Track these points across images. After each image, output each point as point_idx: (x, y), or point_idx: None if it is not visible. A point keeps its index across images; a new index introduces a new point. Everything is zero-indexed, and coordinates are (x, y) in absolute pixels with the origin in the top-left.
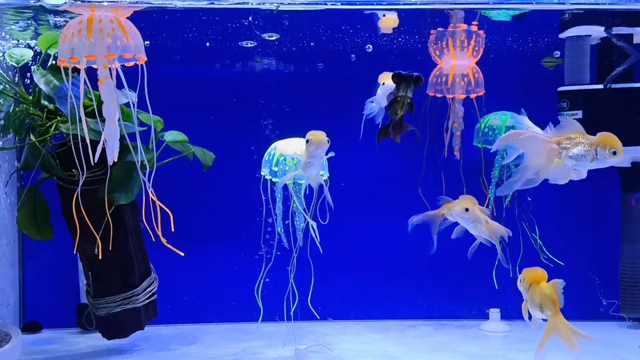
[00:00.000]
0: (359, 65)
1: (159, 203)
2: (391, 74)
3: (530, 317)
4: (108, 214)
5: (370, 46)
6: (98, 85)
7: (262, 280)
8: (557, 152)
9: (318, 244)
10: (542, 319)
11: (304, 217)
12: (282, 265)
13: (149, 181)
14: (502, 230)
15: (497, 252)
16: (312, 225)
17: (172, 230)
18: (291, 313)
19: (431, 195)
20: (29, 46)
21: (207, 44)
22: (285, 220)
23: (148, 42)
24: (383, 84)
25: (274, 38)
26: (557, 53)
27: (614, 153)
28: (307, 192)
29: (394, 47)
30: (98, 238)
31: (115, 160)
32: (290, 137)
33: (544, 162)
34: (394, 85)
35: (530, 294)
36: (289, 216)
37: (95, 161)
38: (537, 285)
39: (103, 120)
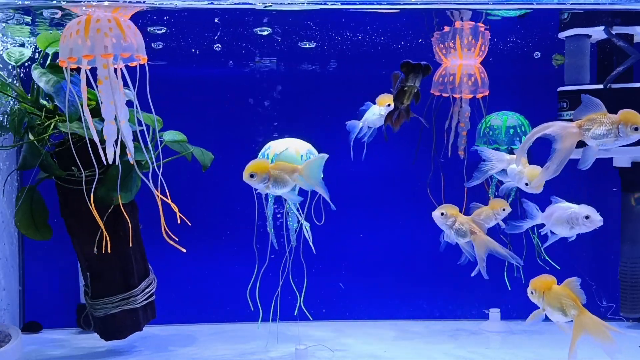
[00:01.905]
0: (360, 65)
1: (165, 198)
2: (389, 95)
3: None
4: (126, 215)
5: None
6: (97, 85)
7: (259, 281)
8: (577, 135)
9: (311, 244)
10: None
11: (298, 217)
12: (281, 265)
13: (148, 181)
14: (491, 246)
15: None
16: (305, 226)
17: (179, 223)
18: (295, 313)
19: (433, 195)
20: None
21: (206, 43)
22: (279, 220)
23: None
24: (389, 105)
25: (265, 33)
26: (538, 54)
27: (636, 129)
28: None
29: (395, 47)
30: (106, 234)
31: (132, 162)
32: (290, 137)
33: (564, 146)
34: (390, 107)
35: (548, 301)
36: (284, 217)
37: (96, 161)
38: (551, 291)
39: (103, 120)
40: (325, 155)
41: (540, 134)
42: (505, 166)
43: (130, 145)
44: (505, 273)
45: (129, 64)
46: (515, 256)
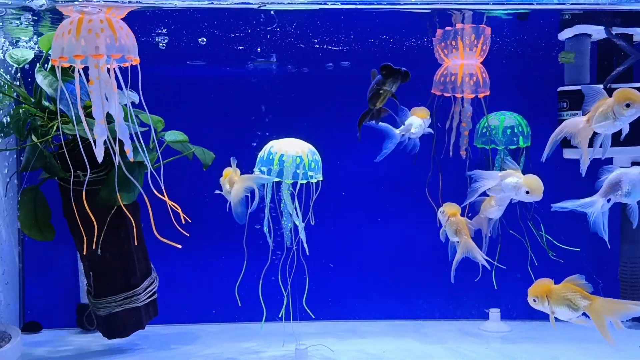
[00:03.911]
0: (359, 66)
1: (169, 201)
2: (423, 108)
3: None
4: (129, 215)
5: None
6: (88, 85)
7: (261, 281)
8: (587, 128)
9: (305, 244)
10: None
11: (293, 217)
12: (282, 265)
13: (150, 181)
14: (471, 251)
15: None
16: (299, 227)
17: (183, 222)
18: (281, 314)
19: (433, 195)
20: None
21: (207, 43)
22: (280, 220)
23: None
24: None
25: (230, 36)
26: (538, 54)
27: (628, 105)
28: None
29: (396, 47)
30: (108, 234)
31: (131, 159)
32: (288, 137)
33: (581, 142)
34: (422, 120)
35: (555, 303)
36: (283, 216)
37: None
38: (553, 292)
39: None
40: (259, 180)
41: (559, 136)
42: (496, 183)
43: (128, 143)
44: (493, 273)
45: (122, 65)
46: (490, 261)
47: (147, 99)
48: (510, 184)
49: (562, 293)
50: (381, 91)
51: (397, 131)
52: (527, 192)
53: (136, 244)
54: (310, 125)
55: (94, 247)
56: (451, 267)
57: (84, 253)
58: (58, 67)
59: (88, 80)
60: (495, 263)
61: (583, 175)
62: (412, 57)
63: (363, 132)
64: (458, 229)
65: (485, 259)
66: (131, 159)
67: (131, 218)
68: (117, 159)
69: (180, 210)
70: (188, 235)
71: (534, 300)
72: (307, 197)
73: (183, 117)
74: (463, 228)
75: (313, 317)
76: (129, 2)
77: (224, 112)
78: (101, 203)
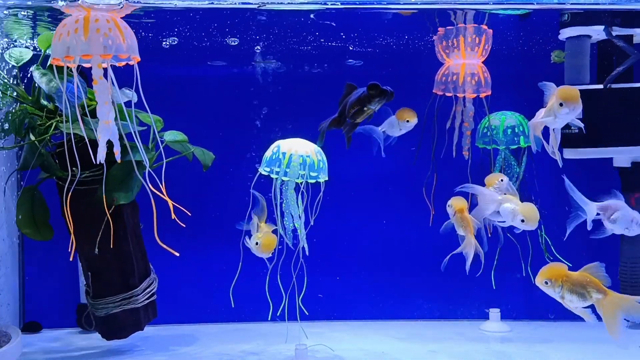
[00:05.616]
0: (360, 66)
1: (169, 199)
2: (411, 110)
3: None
4: (127, 214)
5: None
6: (92, 85)
7: (267, 279)
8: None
9: (305, 244)
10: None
11: (292, 218)
12: (282, 265)
13: (148, 181)
14: (471, 248)
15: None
16: (298, 226)
17: (181, 221)
18: (278, 312)
19: (436, 195)
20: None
21: (207, 43)
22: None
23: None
24: (407, 121)
25: (234, 43)
26: (538, 54)
27: (561, 104)
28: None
29: (396, 46)
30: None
31: (119, 161)
32: (290, 137)
33: (536, 133)
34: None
35: (568, 289)
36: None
37: (96, 161)
38: (568, 278)
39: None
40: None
41: (534, 128)
42: (497, 207)
43: (117, 145)
44: (492, 273)
45: (118, 64)
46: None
47: (146, 98)
48: (508, 210)
49: (579, 281)
50: (365, 108)
51: (379, 129)
52: (523, 221)
53: (131, 244)
54: (310, 124)
55: (88, 247)
56: (452, 267)
57: (82, 253)
58: (64, 66)
59: (91, 80)
60: (495, 263)
61: (560, 167)
62: (413, 57)
63: (360, 132)
64: (463, 225)
65: (470, 263)
66: (119, 160)
67: (123, 218)
68: (118, 158)
69: (176, 207)
70: (184, 226)
71: (546, 282)
72: (307, 197)
73: (183, 117)
74: (467, 225)
75: (307, 313)
76: (129, 1)
77: (224, 112)
78: (98, 202)
